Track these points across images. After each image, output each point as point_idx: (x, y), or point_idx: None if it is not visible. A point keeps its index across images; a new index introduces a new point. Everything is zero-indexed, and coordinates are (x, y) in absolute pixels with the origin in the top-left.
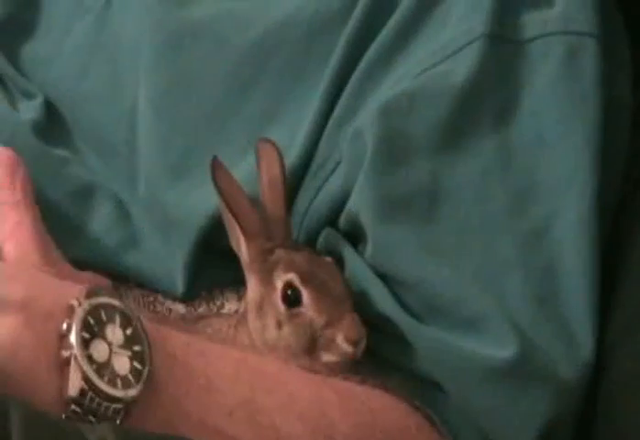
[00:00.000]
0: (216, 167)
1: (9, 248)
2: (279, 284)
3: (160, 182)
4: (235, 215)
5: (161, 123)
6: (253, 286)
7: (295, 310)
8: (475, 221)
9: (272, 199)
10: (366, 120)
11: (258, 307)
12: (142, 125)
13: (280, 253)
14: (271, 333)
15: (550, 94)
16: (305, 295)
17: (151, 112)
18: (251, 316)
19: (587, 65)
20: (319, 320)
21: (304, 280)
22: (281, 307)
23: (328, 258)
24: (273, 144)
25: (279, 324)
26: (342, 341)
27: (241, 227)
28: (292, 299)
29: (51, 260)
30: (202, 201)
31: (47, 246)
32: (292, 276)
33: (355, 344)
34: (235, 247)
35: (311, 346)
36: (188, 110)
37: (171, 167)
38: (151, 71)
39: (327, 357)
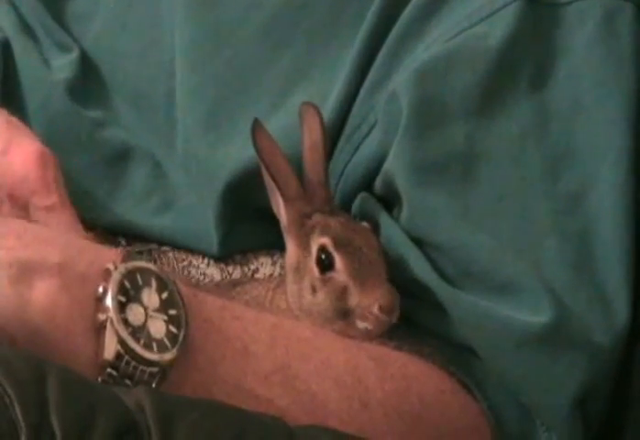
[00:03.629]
0: (257, 128)
1: None
2: (314, 248)
3: (194, 135)
4: (274, 178)
5: (194, 74)
6: (291, 249)
7: (328, 274)
8: (511, 185)
9: (313, 163)
10: (401, 83)
11: (295, 271)
12: (178, 76)
13: (317, 217)
14: (306, 297)
15: (587, 58)
16: (338, 260)
17: (185, 63)
18: (289, 280)
19: (624, 29)
20: (351, 285)
21: (338, 245)
22: (316, 271)
23: (365, 224)
24: (316, 108)
25: (313, 289)
26: (377, 310)
27: (280, 190)
28: (325, 263)
29: None
30: (230, 155)
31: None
32: (325, 240)
33: (390, 313)
34: (275, 210)
35: (343, 312)
36: (219, 63)
37: (203, 119)
38: (185, 24)
39: (363, 326)
